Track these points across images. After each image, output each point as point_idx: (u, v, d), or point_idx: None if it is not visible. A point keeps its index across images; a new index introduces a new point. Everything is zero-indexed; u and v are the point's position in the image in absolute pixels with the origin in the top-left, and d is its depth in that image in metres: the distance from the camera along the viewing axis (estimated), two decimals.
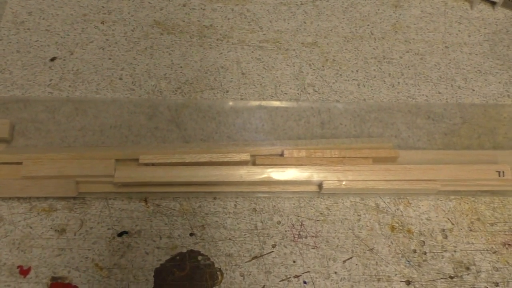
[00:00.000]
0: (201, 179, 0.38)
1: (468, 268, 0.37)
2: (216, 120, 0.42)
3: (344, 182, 0.38)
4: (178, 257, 0.36)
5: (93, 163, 0.37)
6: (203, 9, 0.49)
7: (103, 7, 0.48)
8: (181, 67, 0.45)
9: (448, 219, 0.39)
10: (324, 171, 0.38)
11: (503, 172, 0.39)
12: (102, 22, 0.47)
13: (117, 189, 0.38)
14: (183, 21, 0.48)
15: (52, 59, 0.45)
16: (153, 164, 0.38)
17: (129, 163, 0.39)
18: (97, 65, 0.45)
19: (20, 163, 0.38)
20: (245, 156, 0.39)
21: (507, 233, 0.38)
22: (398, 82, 0.46)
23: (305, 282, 0.36)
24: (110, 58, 0.45)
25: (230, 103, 0.43)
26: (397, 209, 0.39)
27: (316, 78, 0.45)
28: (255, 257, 0.37)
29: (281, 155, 0.40)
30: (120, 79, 0.44)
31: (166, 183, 0.38)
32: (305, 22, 0.49)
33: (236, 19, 0.49)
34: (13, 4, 0.48)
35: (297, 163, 0.39)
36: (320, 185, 0.38)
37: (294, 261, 0.37)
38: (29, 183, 0.37)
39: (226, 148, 0.39)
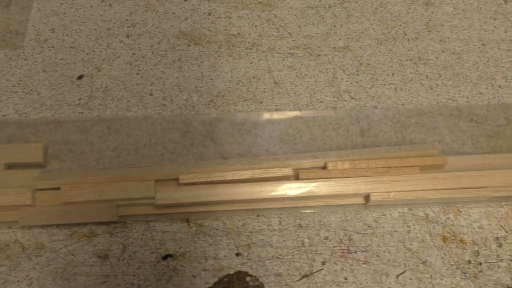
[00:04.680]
0: (244, 196, 0.37)
1: None
2: (252, 133, 0.41)
3: (392, 194, 0.36)
4: (226, 279, 0.35)
5: (132, 186, 0.36)
6: (229, 17, 0.48)
7: (126, 20, 0.47)
8: (211, 79, 0.44)
9: (501, 226, 0.38)
10: (371, 183, 0.37)
11: None
12: (127, 36, 0.46)
13: (157, 210, 0.37)
14: (210, 30, 0.47)
15: (80, 77, 0.43)
16: (193, 184, 0.37)
17: (169, 183, 0.38)
18: (125, 81, 0.43)
19: (58, 189, 0.37)
20: (288, 171, 0.37)
21: None
22: (437, 84, 0.44)
23: None
24: (138, 73, 0.44)
25: (265, 115, 0.42)
26: (448, 218, 0.38)
27: (351, 83, 0.44)
28: (305, 276, 0.35)
29: (324, 167, 0.38)
30: (151, 94, 0.43)
31: (207, 202, 0.37)
32: (334, 26, 0.48)
33: (263, 26, 0.47)
34: (35, 22, 0.46)
35: (342, 175, 0.37)
36: (367, 197, 0.37)
37: (345, 278, 0.35)
38: (69, 209, 0.36)
39: (267, 163, 0.38)
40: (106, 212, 0.36)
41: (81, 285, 0.35)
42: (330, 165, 0.38)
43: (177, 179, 0.37)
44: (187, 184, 0.37)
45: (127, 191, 0.36)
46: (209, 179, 0.37)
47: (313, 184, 0.37)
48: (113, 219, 0.36)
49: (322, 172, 0.37)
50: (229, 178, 0.37)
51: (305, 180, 0.37)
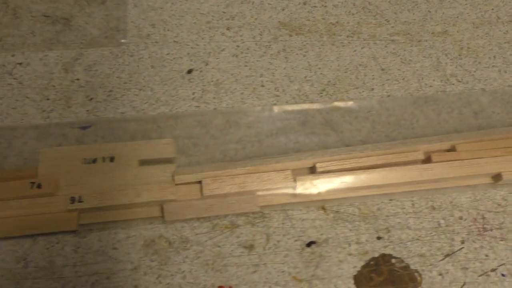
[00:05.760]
0: (377, 182, 0.37)
1: None
2: (369, 119, 0.42)
3: None
4: (372, 262, 0.36)
5: (271, 176, 0.37)
6: (325, 6, 0.48)
7: (224, 12, 0.47)
8: (319, 68, 0.44)
9: None
10: (500, 162, 0.38)
11: None
12: (228, 28, 0.46)
13: (292, 199, 0.38)
14: (308, 20, 0.47)
15: (189, 72, 0.43)
16: (328, 171, 0.38)
17: (303, 172, 0.38)
18: (235, 74, 0.44)
19: (197, 183, 0.37)
20: (419, 155, 0.38)
21: None
22: None
23: (503, 275, 0.36)
24: (246, 65, 0.44)
25: (378, 101, 0.42)
26: None
27: (456, 67, 0.45)
28: (448, 255, 0.36)
29: (450, 150, 0.39)
30: (262, 86, 0.43)
31: (342, 189, 0.37)
32: (429, 11, 0.48)
33: (360, 14, 0.48)
34: (133, 18, 0.46)
35: (471, 156, 0.38)
36: (495, 177, 0.38)
37: (486, 255, 0.36)
38: (212, 202, 0.36)
39: (397, 147, 0.39)
40: (249, 203, 0.36)
41: (233, 275, 0.35)
42: (459, 147, 0.38)
43: (310, 168, 0.38)
44: (323, 172, 0.37)
45: (266, 181, 0.37)
46: (346, 166, 0.37)
47: (445, 166, 0.38)
48: (255, 209, 0.36)
49: (452, 154, 0.38)
50: (366, 164, 0.37)
51: (437, 163, 0.38)
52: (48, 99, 0.42)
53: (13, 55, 0.44)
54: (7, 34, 0.45)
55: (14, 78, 0.42)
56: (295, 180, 0.37)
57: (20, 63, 0.43)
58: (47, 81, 0.42)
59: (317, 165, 0.37)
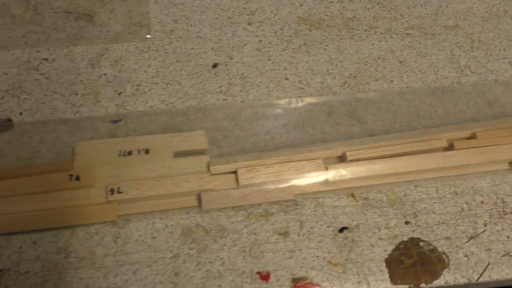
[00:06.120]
0: (403, 169, 0.39)
1: None
2: (391, 110, 0.43)
3: None
4: (401, 246, 0.38)
5: (304, 165, 0.38)
6: (341, 1, 0.49)
7: (244, 8, 0.48)
8: (340, 61, 0.46)
9: None
10: None
11: None
12: (249, 24, 0.47)
13: (323, 187, 0.39)
14: (326, 15, 0.48)
15: (214, 66, 0.44)
16: (357, 160, 0.39)
17: (332, 161, 0.39)
18: (259, 67, 0.45)
19: (230, 173, 0.38)
20: (443, 142, 0.40)
21: None
22: None
23: None
24: (269, 59, 0.45)
25: (398, 93, 0.44)
26: None
27: (469, 60, 0.47)
28: (472, 237, 0.38)
29: (470, 138, 0.41)
30: (286, 79, 0.44)
31: (370, 177, 0.39)
32: (440, 6, 0.50)
33: (375, 9, 0.49)
34: (156, 14, 0.47)
35: (490, 143, 0.40)
36: None
37: (507, 237, 0.38)
38: (248, 191, 0.37)
39: (420, 136, 0.40)
40: (284, 191, 0.37)
41: (270, 261, 0.36)
42: (479, 135, 0.40)
43: (338, 157, 0.39)
44: (352, 160, 0.39)
45: (300, 170, 0.38)
46: (375, 155, 0.39)
47: (467, 153, 0.39)
48: (290, 197, 0.38)
49: (473, 141, 0.40)
50: (393, 152, 0.39)
51: (459, 150, 0.40)
52: (76, 93, 0.42)
53: (38, 51, 0.44)
54: (30, 30, 0.45)
55: (41, 74, 0.43)
56: (326, 169, 0.38)
57: (46, 59, 0.43)
58: (74, 76, 0.43)
59: (347, 153, 0.39)
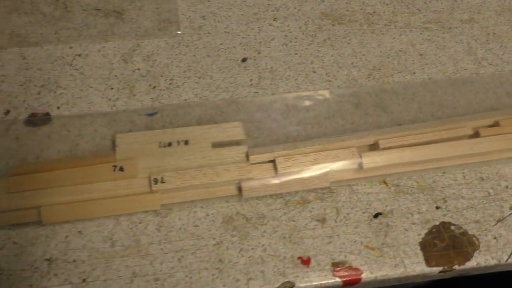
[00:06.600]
0: (434, 156, 0.40)
1: None
2: (415, 101, 0.45)
3: None
4: (434, 230, 0.39)
5: (339, 153, 0.39)
6: None
7: (268, 4, 0.49)
8: (363, 54, 0.47)
9: None
10: None
11: None
12: (274, 19, 0.48)
13: (357, 174, 0.40)
14: (347, 10, 0.50)
15: (243, 60, 0.46)
16: (389, 148, 0.40)
17: (363, 149, 0.41)
18: (287, 61, 0.46)
19: (268, 162, 0.39)
20: (468, 130, 0.42)
21: None
22: None
23: None
24: (296, 53, 0.47)
25: (421, 84, 0.46)
26: None
27: (485, 52, 0.49)
28: (499, 220, 0.40)
29: (493, 125, 0.43)
30: (314, 72, 0.46)
31: (401, 164, 0.40)
32: (456, 0, 0.52)
33: (394, 4, 0.51)
34: (184, 10, 0.48)
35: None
36: None
37: None
38: (287, 179, 0.38)
39: (446, 125, 0.42)
40: (321, 178, 0.39)
41: (310, 246, 0.37)
42: (502, 122, 0.42)
43: (370, 145, 0.41)
44: (384, 148, 0.40)
45: (336, 158, 0.39)
46: (403, 143, 0.40)
47: (492, 140, 0.41)
48: (326, 185, 0.39)
49: (498, 129, 0.42)
50: (423, 140, 0.40)
51: (485, 137, 0.41)
52: (112, 88, 0.43)
53: (70, 47, 0.45)
54: (61, 27, 0.45)
55: (75, 69, 0.43)
56: (360, 156, 0.39)
57: (79, 55, 0.44)
58: (108, 71, 0.44)
59: (380, 142, 0.40)
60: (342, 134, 0.42)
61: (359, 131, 0.43)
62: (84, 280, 0.35)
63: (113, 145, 0.39)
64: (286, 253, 0.37)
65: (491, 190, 0.41)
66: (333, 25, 0.49)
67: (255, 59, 0.46)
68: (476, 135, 0.42)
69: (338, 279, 0.36)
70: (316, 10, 0.50)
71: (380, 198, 0.40)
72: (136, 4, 0.47)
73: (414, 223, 0.39)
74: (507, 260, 0.38)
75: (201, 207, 0.38)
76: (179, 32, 0.46)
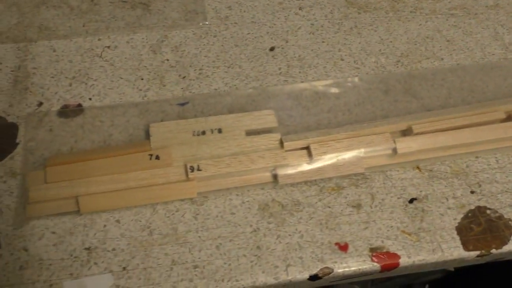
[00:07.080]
0: (467, 140, 0.40)
1: None
2: (444, 86, 0.45)
3: None
4: (470, 214, 0.39)
5: (373, 139, 0.39)
6: None
7: None
8: (390, 41, 0.47)
9: None
10: None
11: None
12: (300, 8, 0.48)
13: (390, 160, 0.40)
14: None
15: (271, 49, 0.46)
16: (422, 133, 0.40)
17: (395, 135, 0.41)
18: (315, 49, 0.46)
19: (302, 149, 0.39)
20: (500, 114, 0.41)
21: None
22: None
23: None
24: (323, 41, 0.46)
25: (450, 70, 0.46)
26: None
27: None
28: None
29: None
30: (342, 59, 0.46)
31: (434, 149, 0.40)
32: None
33: None
34: (209, 1, 0.48)
35: None
36: None
37: None
38: (322, 165, 0.38)
39: (477, 109, 0.42)
40: (356, 164, 0.39)
41: (346, 232, 0.37)
42: None
43: (402, 131, 0.41)
44: (417, 133, 0.40)
45: (370, 144, 0.39)
46: (436, 127, 0.40)
47: None
48: (361, 171, 0.39)
49: None
50: (456, 125, 0.40)
51: None
52: (142, 79, 0.43)
53: (99, 39, 0.45)
54: (89, 20, 0.46)
55: (105, 61, 0.43)
56: (394, 142, 0.39)
57: (108, 46, 0.44)
58: (138, 62, 0.44)
59: (413, 127, 0.40)
60: (373, 120, 0.42)
61: (390, 117, 0.43)
62: (124, 268, 0.35)
63: (146, 134, 0.40)
64: (323, 239, 0.37)
65: None
66: (359, 13, 0.49)
67: (283, 48, 0.46)
68: (508, 119, 0.42)
69: (376, 264, 0.36)
70: None
71: (414, 183, 0.40)
72: None
73: (449, 208, 0.39)
74: None
75: (237, 194, 0.38)
76: (206, 23, 0.46)
